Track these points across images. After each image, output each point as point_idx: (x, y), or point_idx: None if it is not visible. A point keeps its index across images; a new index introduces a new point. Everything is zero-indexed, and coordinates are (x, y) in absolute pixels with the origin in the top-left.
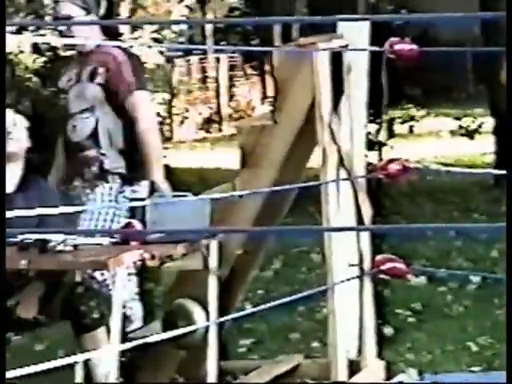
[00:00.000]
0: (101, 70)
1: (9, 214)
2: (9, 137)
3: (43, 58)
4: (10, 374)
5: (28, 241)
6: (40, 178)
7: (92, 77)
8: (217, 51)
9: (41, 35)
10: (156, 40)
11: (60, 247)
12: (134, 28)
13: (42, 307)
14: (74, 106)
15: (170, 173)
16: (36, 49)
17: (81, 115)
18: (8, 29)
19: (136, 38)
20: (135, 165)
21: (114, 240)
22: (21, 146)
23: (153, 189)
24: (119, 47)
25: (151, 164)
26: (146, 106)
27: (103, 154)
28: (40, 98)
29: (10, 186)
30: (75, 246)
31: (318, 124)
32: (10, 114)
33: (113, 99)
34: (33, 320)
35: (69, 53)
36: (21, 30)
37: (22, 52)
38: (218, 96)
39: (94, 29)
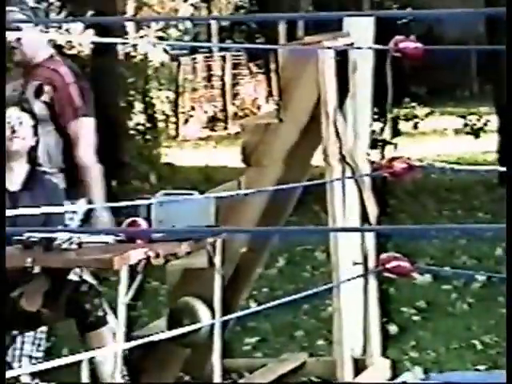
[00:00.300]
0: (47, 87)
1: (15, 212)
2: (14, 135)
3: None
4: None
5: (33, 239)
6: (45, 175)
7: (38, 93)
8: (222, 49)
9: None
10: (161, 38)
11: (65, 245)
12: (140, 26)
13: (46, 302)
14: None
15: (174, 171)
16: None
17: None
18: None
19: (141, 37)
20: (75, 183)
21: (118, 238)
22: (25, 144)
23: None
24: (69, 66)
25: (89, 185)
26: (88, 133)
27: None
28: None
29: (16, 185)
30: (80, 244)
31: (322, 122)
32: (15, 113)
33: (57, 119)
34: (36, 313)
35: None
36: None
37: None
38: (223, 94)
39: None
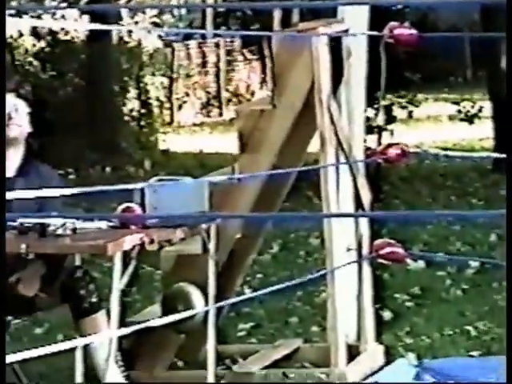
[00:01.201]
0: None
1: (9, 197)
2: (10, 122)
3: (43, 43)
4: (10, 358)
5: (27, 225)
6: (40, 163)
7: None
8: (216, 36)
9: (39, 18)
10: (156, 24)
11: (59, 231)
12: (135, 12)
13: (42, 287)
14: None
15: (169, 157)
16: (35, 33)
17: None
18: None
19: (136, 23)
20: None
21: (112, 224)
22: (22, 131)
23: None
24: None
25: None
26: None
27: None
28: (40, 83)
29: (11, 171)
30: (74, 230)
31: (317, 108)
32: (11, 99)
33: None
34: (33, 297)
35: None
36: (20, 13)
37: (21, 35)
38: (217, 80)
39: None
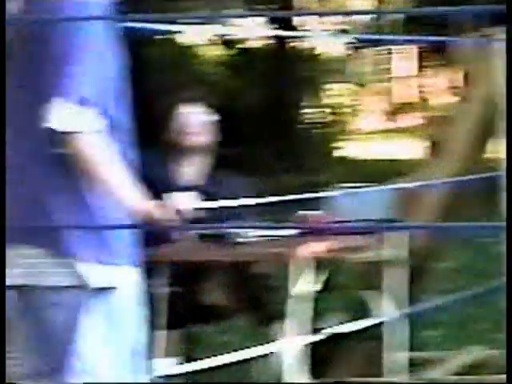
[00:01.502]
0: None
1: (198, 206)
2: (197, 130)
3: (230, 51)
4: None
5: (213, 233)
6: (229, 171)
7: None
8: (403, 42)
9: (226, 26)
10: (341, 31)
11: (242, 239)
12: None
13: (227, 297)
14: None
15: (352, 164)
16: (225, 41)
17: None
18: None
19: (321, 30)
20: None
21: (298, 231)
22: (210, 140)
23: None
24: None
25: None
26: None
27: None
28: (227, 91)
29: (200, 180)
30: (260, 238)
31: (499, 115)
32: (199, 108)
33: None
34: (218, 308)
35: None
36: (207, 22)
37: (210, 44)
38: (402, 87)
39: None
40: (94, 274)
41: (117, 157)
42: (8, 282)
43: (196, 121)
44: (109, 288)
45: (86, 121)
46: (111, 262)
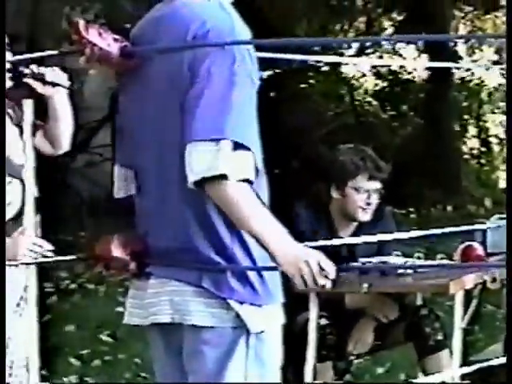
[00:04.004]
0: None
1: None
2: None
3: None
4: None
5: (369, 264)
6: (390, 205)
7: None
8: None
9: (380, 58)
10: (495, 62)
11: (401, 270)
12: (473, 50)
13: (384, 328)
14: None
15: None
16: (376, 72)
17: None
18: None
19: (475, 61)
20: None
21: (454, 262)
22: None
23: None
24: None
25: None
26: None
27: None
28: (379, 123)
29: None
30: (415, 269)
31: None
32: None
33: None
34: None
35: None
36: (361, 52)
37: (363, 75)
38: None
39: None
40: (249, 315)
41: (265, 202)
42: (155, 318)
43: (365, 194)
44: (261, 330)
45: (238, 165)
46: (264, 302)
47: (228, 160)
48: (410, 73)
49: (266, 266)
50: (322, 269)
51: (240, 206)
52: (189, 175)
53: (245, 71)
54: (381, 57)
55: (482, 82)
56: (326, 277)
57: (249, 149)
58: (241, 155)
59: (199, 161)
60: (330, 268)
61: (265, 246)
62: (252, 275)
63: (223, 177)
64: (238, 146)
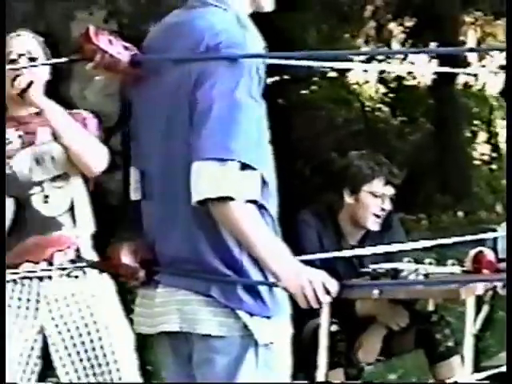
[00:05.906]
0: None
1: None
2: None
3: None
4: None
5: (380, 270)
6: (394, 213)
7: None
8: None
9: (387, 63)
10: (502, 67)
11: (412, 276)
12: (482, 56)
13: (391, 341)
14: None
15: None
16: (380, 78)
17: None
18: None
19: (483, 66)
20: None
21: (464, 268)
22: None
23: None
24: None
25: None
26: None
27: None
28: (389, 129)
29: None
30: (426, 275)
31: None
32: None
33: None
34: (386, 344)
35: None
36: (370, 58)
37: (366, 82)
38: None
39: None
40: (258, 326)
41: (270, 223)
42: (164, 327)
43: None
44: (270, 342)
45: (244, 186)
46: (273, 314)
47: (234, 182)
48: (415, 78)
49: (272, 282)
50: (325, 288)
51: (242, 228)
52: (193, 194)
53: (252, 88)
54: (389, 62)
55: (487, 87)
56: (328, 293)
57: (256, 168)
58: (248, 175)
59: (205, 180)
60: (333, 287)
61: (267, 267)
62: (261, 287)
63: (228, 198)
64: (245, 166)
